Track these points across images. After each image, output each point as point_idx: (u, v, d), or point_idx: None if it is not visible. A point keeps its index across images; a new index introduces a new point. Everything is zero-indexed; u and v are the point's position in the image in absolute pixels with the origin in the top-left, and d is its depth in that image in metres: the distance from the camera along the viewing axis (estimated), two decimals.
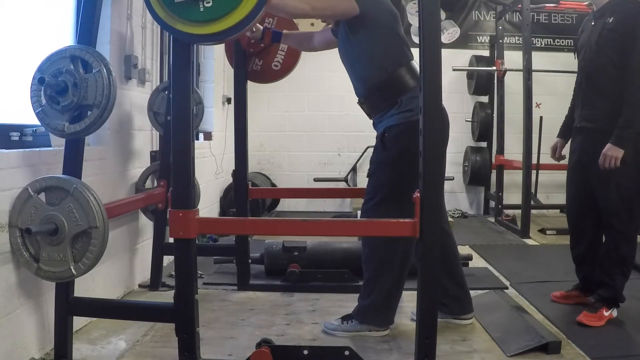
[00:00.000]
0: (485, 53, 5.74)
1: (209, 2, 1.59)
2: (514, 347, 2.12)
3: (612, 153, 2.30)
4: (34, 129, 2.24)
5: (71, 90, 1.85)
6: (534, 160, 4.51)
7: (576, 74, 2.62)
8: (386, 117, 2.23)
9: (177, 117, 1.77)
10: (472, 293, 2.89)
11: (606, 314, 2.40)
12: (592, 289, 2.55)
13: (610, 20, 2.36)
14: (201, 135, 4.49)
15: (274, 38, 2.69)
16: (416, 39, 5.03)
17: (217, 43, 2.14)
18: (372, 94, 2.27)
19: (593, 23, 2.47)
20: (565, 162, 2.74)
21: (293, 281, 2.93)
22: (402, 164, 2.17)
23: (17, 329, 1.90)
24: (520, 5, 4.60)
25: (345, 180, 5.82)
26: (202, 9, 1.59)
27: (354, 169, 5.89)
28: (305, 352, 1.85)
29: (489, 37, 5.81)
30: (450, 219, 3.98)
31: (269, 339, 1.93)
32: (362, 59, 2.26)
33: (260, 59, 2.90)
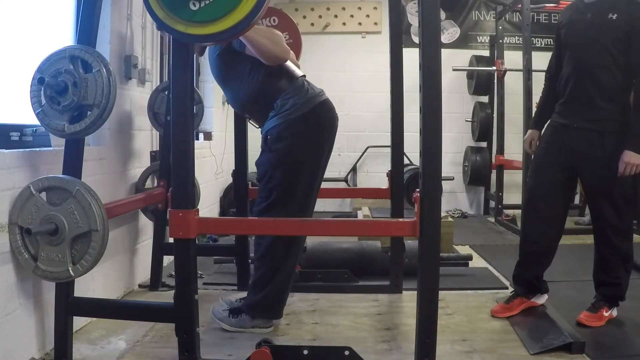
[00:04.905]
0: (485, 53, 5.74)
1: (207, 1, 1.59)
2: (538, 346, 2.13)
3: (633, 161, 2.23)
4: (34, 129, 2.24)
5: (71, 90, 1.85)
6: None
7: (553, 66, 2.55)
8: (267, 122, 2.26)
9: (177, 117, 1.77)
10: (472, 293, 2.92)
11: (606, 314, 2.39)
12: (535, 290, 2.54)
13: (614, 17, 2.26)
14: (201, 135, 4.49)
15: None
16: (416, 39, 5.05)
17: (216, 44, 2.15)
18: (251, 108, 2.30)
19: (590, 16, 2.35)
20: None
21: (293, 281, 2.93)
22: (290, 161, 2.22)
23: (17, 329, 1.90)
24: (520, 5, 4.59)
25: (345, 180, 5.82)
26: (198, 9, 1.58)
27: (354, 169, 5.90)
28: (305, 352, 1.85)
29: (489, 37, 5.81)
30: (450, 219, 4.01)
31: (269, 339, 1.93)
32: (233, 76, 2.27)
33: None
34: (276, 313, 2.37)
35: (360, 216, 4.21)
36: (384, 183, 3.09)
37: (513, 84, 5.20)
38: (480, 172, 5.60)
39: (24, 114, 2.13)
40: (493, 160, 5.48)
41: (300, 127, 2.21)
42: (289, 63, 2.30)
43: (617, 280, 2.39)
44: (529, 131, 2.70)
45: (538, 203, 2.52)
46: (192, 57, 1.80)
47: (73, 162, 1.96)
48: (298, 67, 2.44)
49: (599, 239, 2.44)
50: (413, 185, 4.50)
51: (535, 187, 2.54)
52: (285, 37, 2.87)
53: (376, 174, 5.80)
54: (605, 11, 2.29)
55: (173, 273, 2.32)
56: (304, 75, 2.35)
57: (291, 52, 2.38)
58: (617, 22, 2.26)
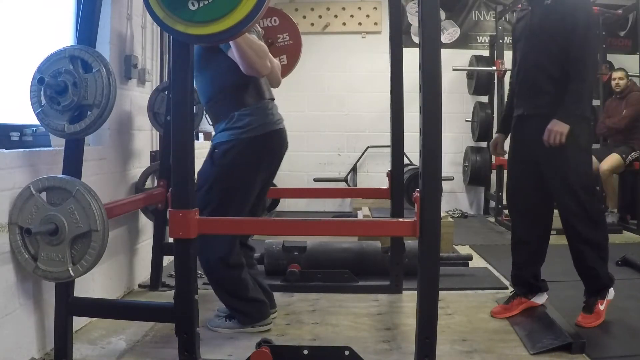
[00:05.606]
0: (485, 53, 5.75)
1: (206, 1, 1.58)
2: (538, 346, 2.14)
3: (557, 128, 2.24)
4: (34, 129, 2.24)
5: (71, 90, 1.85)
6: None
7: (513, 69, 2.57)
8: (218, 131, 2.27)
9: (177, 117, 1.77)
10: (472, 293, 2.92)
11: (602, 307, 2.36)
12: (535, 289, 2.53)
13: (549, 2, 2.33)
14: (201, 135, 4.48)
15: None
16: (416, 39, 5.05)
17: (216, 44, 2.14)
18: (212, 105, 2.30)
19: (530, 8, 2.43)
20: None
21: (293, 281, 2.93)
22: (229, 181, 2.22)
23: (17, 329, 1.90)
24: (520, 5, 4.59)
25: (345, 180, 5.82)
26: (197, 9, 1.58)
27: (354, 169, 5.90)
28: (305, 352, 1.85)
29: (489, 37, 5.82)
30: (450, 219, 4.01)
31: (269, 339, 1.92)
32: (209, 68, 2.26)
33: None
34: (258, 315, 2.35)
35: (360, 216, 4.20)
36: (384, 183, 3.09)
37: None
38: (480, 172, 5.60)
39: (24, 114, 2.13)
40: (493, 160, 5.48)
41: (247, 148, 2.21)
42: (264, 82, 2.32)
43: (594, 272, 2.35)
44: (495, 135, 2.73)
45: (515, 201, 2.56)
46: (192, 58, 1.80)
47: (73, 162, 1.96)
48: (278, 82, 2.45)
49: (567, 230, 2.40)
50: (413, 185, 4.50)
51: (511, 186, 2.58)
52: (285, 37, 2.87)
53: (376, 174, 5.80)
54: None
55: (173, 273, 2.32)
56: (273, 99, 2.36)
57: (277, 64, 2.39)
58: (552, 6, 2.33)
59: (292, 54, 2.89)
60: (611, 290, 2.41)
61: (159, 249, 2.96)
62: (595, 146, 5.38)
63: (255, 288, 2.37)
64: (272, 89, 2.42)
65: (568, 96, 2.26)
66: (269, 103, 2.31)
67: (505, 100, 2.65)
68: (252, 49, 2.10)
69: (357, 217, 4.33)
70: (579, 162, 2.32)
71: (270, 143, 2.29)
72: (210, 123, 2.36)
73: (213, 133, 2.35)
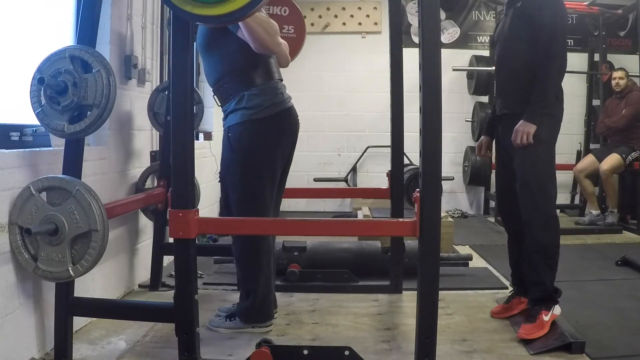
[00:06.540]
0: (485, 53, 5.74)
1: None
2: (538, 346, 2.13)
3: (523, 128, 2.25)
4: (34, 129, 2.24)
5: (71, 90, 1.85)
6: None
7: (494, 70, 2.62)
8: (229, 112, 2.26)
9: (177, 117, 1.77)
10: (472, 293, 2.92)
11: (546, 318, 2.23)
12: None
13: (519, 5, 2.36)
14: (201, 135, 4.49)
15: None
16: (416, 39, 5.05)
17: (224, 24, 2.12)
18: (221, 85, 2.29)
19: (506, 11, 2.48)
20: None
21: (293, 281, 2.93)
22: (248, 163, 2.23)
23: (17, 329, 1.90)
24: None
25: (345, 180, 5.82)
26: None
27: (354, 169, 5.90)
28: (305, 352, 1.85)
29: (489, 37, 5.82)
30: (450, 219, 4.01)
31: (269, 339, 1.93)
32: (217, 50, 2.26)
33: None
34: (266, 316, 2.37)
35: (360, 216, 4.20)
36: (384, 183, 3.09)
37: None
38: (480, 172, 5.59)
39: (24, 114, 2.13)
40: (493, 160, 5.47)
41: (261, 129, 2.22)
42: (273, 63, 2.32)
43: (538, 279, 2.28)
44: (481, 137, 2.75)
45: (500, 200, 2.61)
46: (192, 55, 1.80)
47: (73, 162, 1.96)
48: (287, 61, 2.45)
49: (523, 229, 2.36)
50: (413, 185, 4.50)
51: (498, 187, 2.63)
52: (290, 30, 2.87)
53: (376, 174, 5.80)
54: (515, 3, 2.40)
55: (173, 273, 2.32)
56: (282, 80, 2.36)
57: (285, 43, 2.39)
58: (521, 9, 2.36)
59: (292, 49, 2.87)
60: (557, 307, 2.29)
61: (159, 249, 2.96)
62: (595, 146, 5.40)
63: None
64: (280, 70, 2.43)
65: (534, 96, 2.27)
66: (277, 83, 2.31)
67: (493, 102, 2.66)
68: (261, 27, 2.10)
69: (357, 217, 4.33)
70: (538, 153, 2.30)
71: (282, 121, 2.30)
72: (219, 104, 2.35)
73: (222, 115, 2.34)
